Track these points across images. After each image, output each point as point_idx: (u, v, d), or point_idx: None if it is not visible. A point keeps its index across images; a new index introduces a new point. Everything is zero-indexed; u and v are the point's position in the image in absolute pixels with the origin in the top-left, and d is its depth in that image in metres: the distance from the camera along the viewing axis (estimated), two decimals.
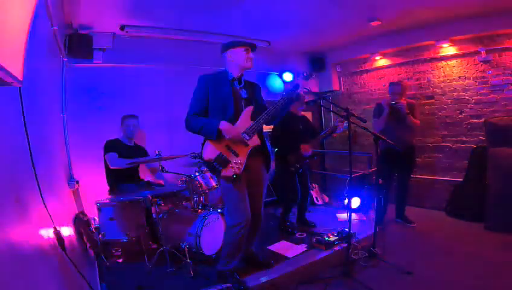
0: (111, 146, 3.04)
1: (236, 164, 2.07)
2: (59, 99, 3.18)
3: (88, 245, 2.58)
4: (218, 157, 2.06)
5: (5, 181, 1.12)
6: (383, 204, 3.44)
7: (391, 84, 3.35)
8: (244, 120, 2.13)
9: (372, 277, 2.36)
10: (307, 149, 3.09)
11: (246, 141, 2.09)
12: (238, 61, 2.16)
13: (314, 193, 4.30)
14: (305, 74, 2.34)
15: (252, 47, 2.21)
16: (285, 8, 3.23)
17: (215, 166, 2.06)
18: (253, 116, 2.14)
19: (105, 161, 3.01)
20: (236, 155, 2.09)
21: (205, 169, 3.12)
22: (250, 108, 2.16)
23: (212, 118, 2.12)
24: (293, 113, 3.21)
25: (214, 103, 2.15)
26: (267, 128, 4.67)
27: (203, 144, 2.14)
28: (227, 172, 2.06)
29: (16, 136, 1.28)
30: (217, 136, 2.03)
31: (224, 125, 2.03)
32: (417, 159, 4.22)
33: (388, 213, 3.54)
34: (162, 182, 3.29)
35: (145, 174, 3.36)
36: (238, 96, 2.19)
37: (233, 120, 2.10)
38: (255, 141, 2.13)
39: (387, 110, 3.22)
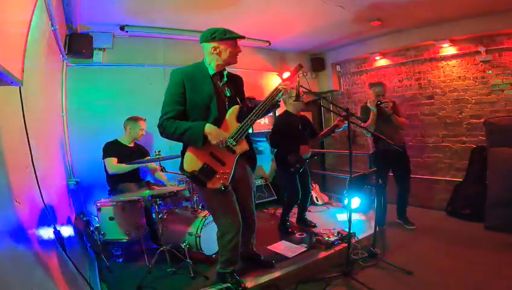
0: (110, 150, 3.01)
1: (224, 174, 1.84)
2: (59, 99, 3.18)
3: (88, 245, 2.58)
4: (203, 168, 1.82)
5: (5, 181, 1.12)
6: (383, 204, 3.43)
7: (373, 85, 3.33)
8: (230, 123, 1.89)
9: (372, 276, 2.36)
10: (306, 150, 3.08)
11: (233, 147, 1.86)
12: (224, 56, 1.87)
13: (314, 193, 4.29)
14: (294, 68, 2.09)
15: (242, 38, 1.92)
16: (285, 7, 3.23)
17: (200, 179, 1.83)
18: (240, 118, 1.91)
19: (104, 164, 3.00)
20: (223, 164, 1.85)
21: None
22: (236, 108, 1.92)
23: (194, 122, 1.85)
24: (293, 113, 3.21)
25: (193, 104, 1.87)
26: (266, 129, 4.71)
27: (183, 153, 1.88)
28: (214, 185, 1.82)
29: (16, 136, 1.28)
30: (203, 142, 1.77)
31: (210, 129, 1.77)
32: (418, 159, 4.23)
33: (388, 214, 3.53)
34: (164, 177, 3.27)
35: (146, 174, 3.36)
36: (221, 94, 1.93)
37: (217, 123, 1.85)
38: (243, 146, 1.90)
39: (374, 111, 3.20)
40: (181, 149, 1.94)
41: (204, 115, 1.87)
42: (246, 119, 1.89)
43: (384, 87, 3.29)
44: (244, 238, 2.27)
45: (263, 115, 2.02)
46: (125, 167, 2.95)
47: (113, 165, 2.95)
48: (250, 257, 2.42)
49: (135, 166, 3.00)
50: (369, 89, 3.37)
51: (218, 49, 1.88)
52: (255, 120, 1.92)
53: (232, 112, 1.92)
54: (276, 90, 1.98)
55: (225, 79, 1.99)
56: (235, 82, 2.07)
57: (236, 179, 1.99)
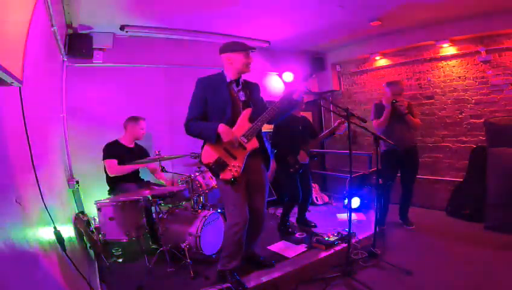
0: (110, 151, 3.00)
1: (235, 167, 2.08)
2: (59, 99, 3.18)
3: (88, 245, 2.58)
4: (217, 161, 2.09)
5: (5, 181, 1.12)
6: (385, 204, 3.41)
7: (390, 83, 3.31)
8: (242, 123, 2.13)
9: (372, 276, 2.36)
10: (304, 157, 3.08)
11: (244, 144, 2.09)
12: (236, 65, 2.15)
13: (314, 193, 4.29)
14: (304, 75, 2.29)
15: (252, 50, 2.20)
16: (285, 8, 3.23)
17: (214, 169, 2.10)
18: (252, 119, 2.14)
19: (104, 166, 3.01)
20: (235, 158, 2.10)
21: (205, 169, 3.12)
22: (248, 111, 2.16)
23: (211, 122, 2.13)
24: (293, 114, 3.21)
25: (212, 106, 2.16)
26: (266, 129, 4.71)
27: (202, 148, 2.17)
28: (225, 175, 2.08)
29: (16, 136, 1.28)
30: (216, 139, 2.03)
31: (222, 128, 2.03)
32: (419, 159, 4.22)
33: (389, 213, 3.53)
34: (164, 178, 3.26)
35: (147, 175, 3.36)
36: (235, 99, 2.19)
37: (230, 124, 2.10)
38: (253, 144, 2.12)
39: (389, 109, 3.17)
40: (202, 144, 2.19)
41: (221, 117, 2.12)
42: (257, 119, 2.10)
43: (401, 87, 3.27)
44: (249, 238, 2.31)
45: (280, 116, 2.21)
46: (125, 169, 2.95)
47: (113, 167, 2.95)
48: (250, 257, 2.44)
49: (135, 167, 3.00)
50: (386, 87, 3.31)
51: (231, 60, 2.14)
52: (266, 121, 2.11)
53: (244, 114, 2.15)
54: (289, 93, 2.14)
55: (240, 86, 2.23)
56: (250, 89, 2.29)
57: (250, 174, 2.18)
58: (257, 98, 2.32)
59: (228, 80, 2.19)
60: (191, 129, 2.13)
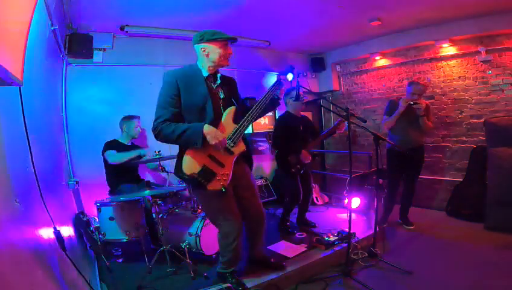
0: (110, 145, 3.03)
1: (223, 176, 1.83)
2: (59, 99, 3.18)
3: (88, 245, 2.58)
4: (203, 170, 1.79)
5: (5, 181, 1.12)
6: (388, 204, 3.40)
7: (412, 83, 3.15)
8: (227, 124, 1.88)
9: (372, 277, 2.36)
10: (306, 156, 3.08)
11: (231, 148, 1.86)
12: (213, 58, 1.86)
13: (314, 193, 4.29)
14: (289, 70, 2.16)
15: (232, 41, 1.90)
16: (285, 7, 3.23)
17: (200, 181, 1.80)
18: (236, 119, 1.90)
19: (104, 160, 3.01)
20: (222, 166, 1.84)
21: None
22: (233, 109, 1.90)
23: (191, 123, 1.82)
24: (293, 113, 3.21)
25: (188, 106, 1.84)
26: (266, 129, 4.72)
27: (180, 157, 1.84)
28: (214, 186, 1.81)
29: (16, 136, 1.28)
30: (202, 142, 1.73)
31: (208, 129, 1.74)
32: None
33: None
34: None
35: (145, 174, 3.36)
36: (215, 96, 1.91)
37: (213, 125, 1.82)
38: (240, 147, 1.89)
39: (402, 109, 3.08)
40: (177, 152, 1.92)
41: (200, 117, 1.85)
42: (243, 119, 1.88)
43: (422, 88, 3.12)
44: (254, 240, 2.24)
45: (262, 114, 2.02)
46: (124, 155, 2.96)
47: (113, 154, 2.95)
48: (259, 259, 2.36)
49: (132, 153, 3.00)
50: (407, 86, 3.20)
51: (206, 50, 1.86)
52: (252, 120, 1.93)
53: (228, 113, 1.91)
54: (274, 85, 2.00)
55: (218, 81, 1.97)
56: (229, 84, 2.05)
57: (237, 180, 1.99)
58: (237, 95, 2.07)
59: (205, 74, 1.92)
60: (165, 133, 1.77)
